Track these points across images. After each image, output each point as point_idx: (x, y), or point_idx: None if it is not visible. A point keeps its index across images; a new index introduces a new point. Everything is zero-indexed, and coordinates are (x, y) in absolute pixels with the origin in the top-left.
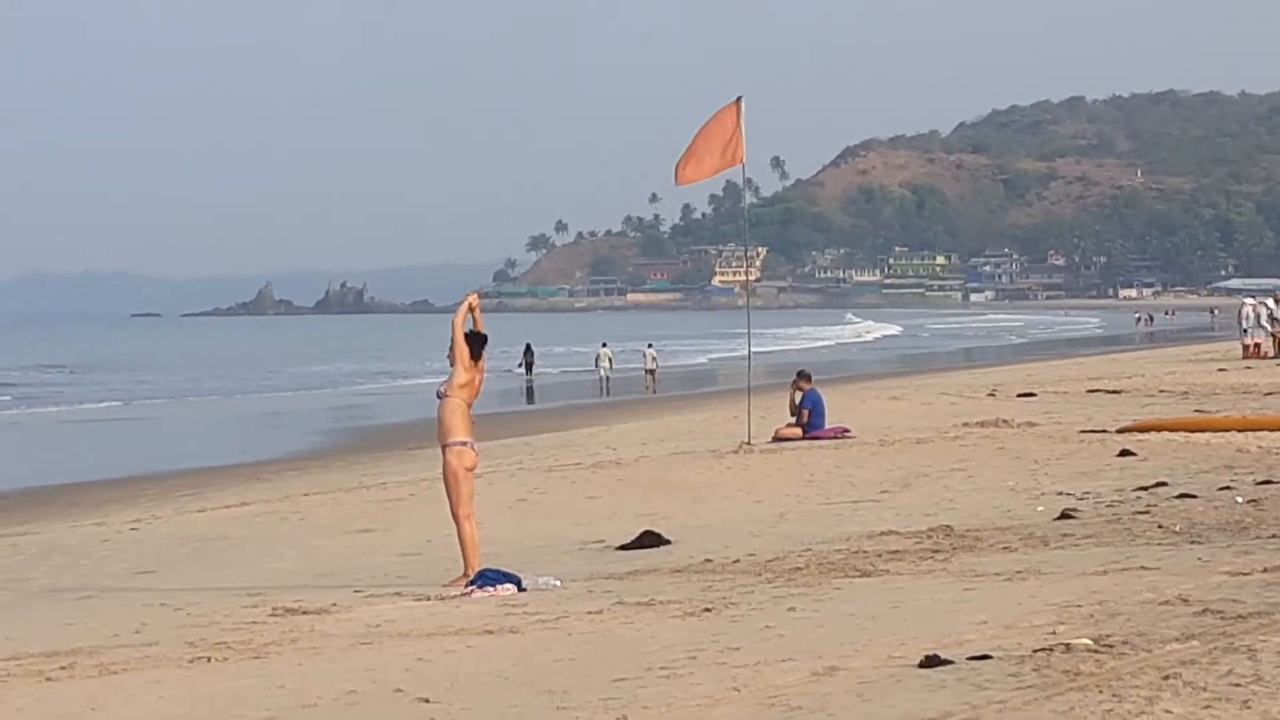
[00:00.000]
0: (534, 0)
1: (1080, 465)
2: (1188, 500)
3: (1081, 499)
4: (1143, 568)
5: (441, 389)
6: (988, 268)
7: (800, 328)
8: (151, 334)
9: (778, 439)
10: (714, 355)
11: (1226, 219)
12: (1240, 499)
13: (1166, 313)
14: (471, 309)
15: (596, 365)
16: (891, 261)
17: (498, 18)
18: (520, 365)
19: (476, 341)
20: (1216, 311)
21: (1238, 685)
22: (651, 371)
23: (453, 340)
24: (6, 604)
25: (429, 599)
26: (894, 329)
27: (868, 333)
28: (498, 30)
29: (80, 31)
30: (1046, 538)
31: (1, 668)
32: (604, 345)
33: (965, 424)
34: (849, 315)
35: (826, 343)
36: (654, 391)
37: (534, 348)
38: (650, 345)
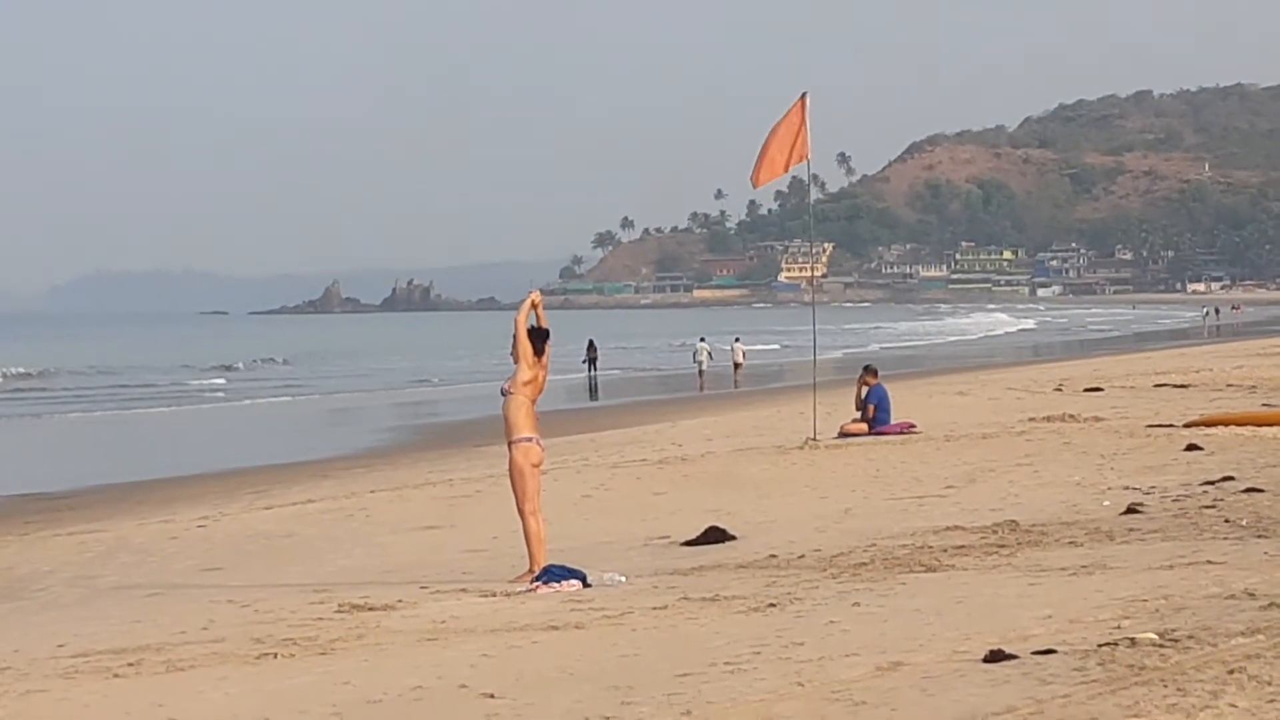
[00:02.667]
0: (599, 4)
1: (1147, 460)
2: (1255, 495)
3: (1148, 493)
4: (1209, 562)
5: (506, 386)
6: (1055, 262)
7: (941, 321)
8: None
9: (843, 434)
10: (848, 350)
11: None
12: None
13: (1233, 307)
14: (534, 306)
15: (695, 359)
16: (958, 257)
17: (561, 15)
18: (584, 361)
19: (539, 337)
20: None
21: None
22: (738, 365)
23: (516, 337)
24: (75, 601)
25: (494, 595)
26: (1030, 323)
27: (1002, 326)
28: (562, 28)
29: (153, 32)
30: (1112, 532)
31: (70, 664)
32: (702, 340)
33: (1031, 419)
34: (988, 307)
35: (972, 336)
36: (738, 385)
37: (596, 343)
38: (738, 340)
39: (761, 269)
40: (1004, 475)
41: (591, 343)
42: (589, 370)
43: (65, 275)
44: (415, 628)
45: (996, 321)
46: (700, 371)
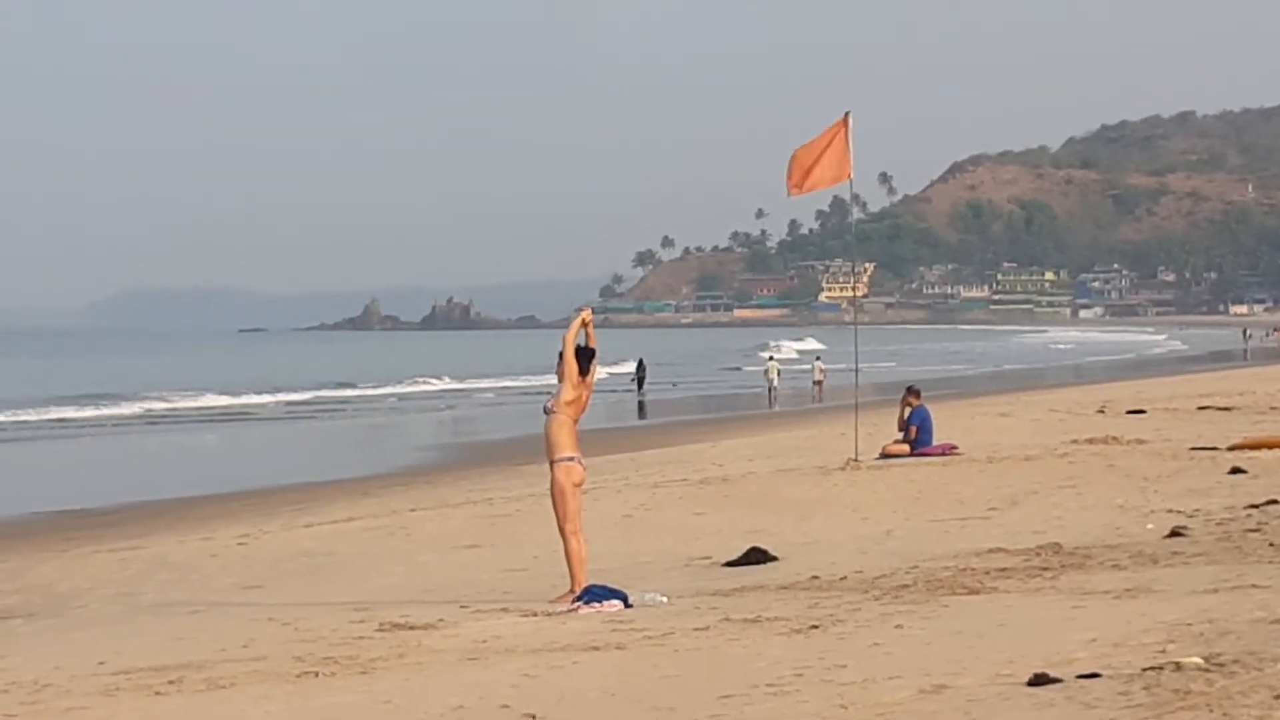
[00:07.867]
0: (643, 20)
1: (1190, 483)
2: None
3: (1191, 516)
4: (1254, 586)
5: (549, 405)
6: (1097, 284)
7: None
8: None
9: (885, 455)
10: (1000, 366)
11: None
12: None
13: (1275, 329)
14: (585, 324)
15: (765, 376)
16: (1000, 277)
17: (600, 34)
18: (633, 380)
19: (585, 357)
20: None
21: None
22: (819, 383)
23: (563, 355)
24: (116, 618)
25: (535, 615)
26: (1178, 343)
27: (1158, 346)
28: (602, 46)
29: (189, 45)
30: (1156, 556)
31: (111, 681)
32: (771, 358)
33: (1074, 441)
34: (1147, 328)
35: (1130, 355)
36: (819, 401)
37: (645, 363)
38: (819, 358)
39: (802, 289)
40: (1047, 497)
41: (641, 362)
42: (637, 390)
43: (104, 292)
44: (456, 647)
45: (1150, 342)
46: (771, 387)
